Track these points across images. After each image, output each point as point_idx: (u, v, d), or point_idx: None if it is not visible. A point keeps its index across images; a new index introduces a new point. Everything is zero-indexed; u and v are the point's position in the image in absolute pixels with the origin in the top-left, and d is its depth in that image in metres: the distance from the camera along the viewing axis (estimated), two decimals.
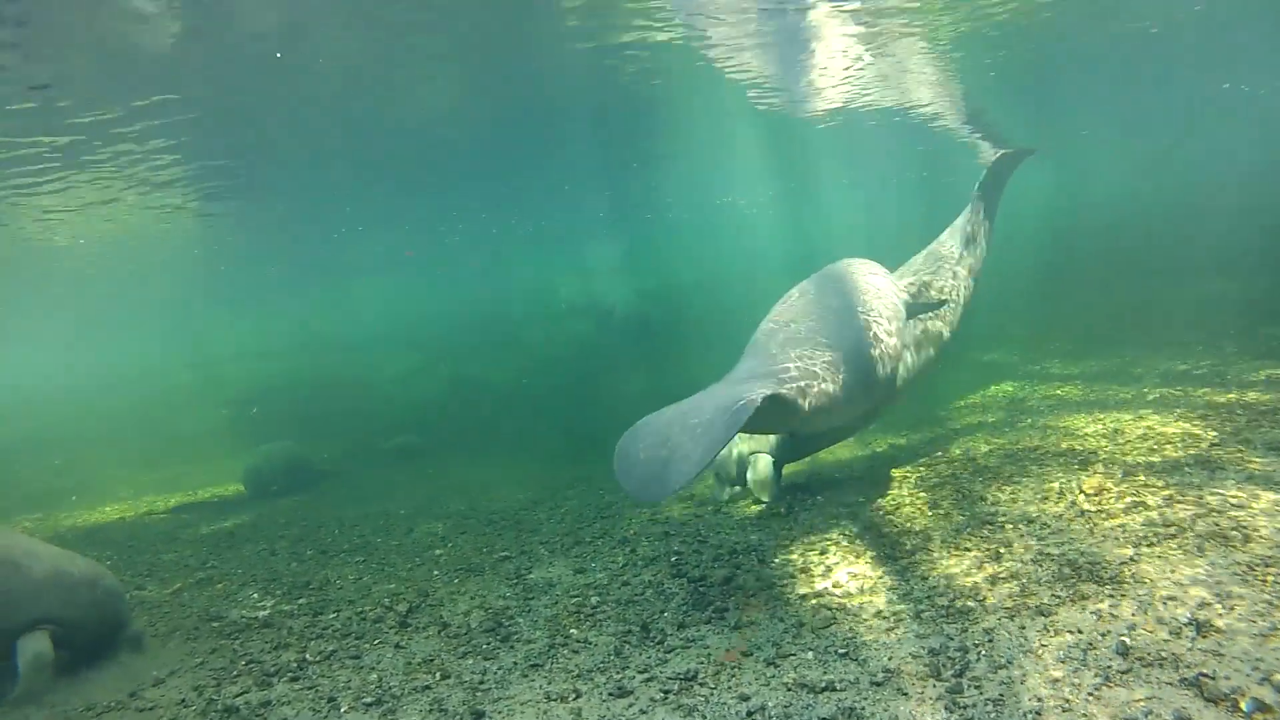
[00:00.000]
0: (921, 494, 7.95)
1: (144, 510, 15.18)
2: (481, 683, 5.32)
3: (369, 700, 5.26)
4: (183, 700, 5.66)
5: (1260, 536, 5.39)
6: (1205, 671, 4.05)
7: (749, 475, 9.21)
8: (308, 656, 6.24)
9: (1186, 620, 4.54)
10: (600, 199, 31.12)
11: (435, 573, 8.16)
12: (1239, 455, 7.08)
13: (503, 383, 25.08)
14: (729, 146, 24.25)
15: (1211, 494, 6.29)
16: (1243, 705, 3.78)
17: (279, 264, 35.14)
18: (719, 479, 9.74)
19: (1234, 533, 5.51)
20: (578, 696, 4.92)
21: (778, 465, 9.28)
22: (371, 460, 18.43)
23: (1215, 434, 7.85)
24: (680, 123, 20.32)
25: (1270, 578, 4.84)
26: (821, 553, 6.89)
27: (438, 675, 5.53)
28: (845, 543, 7.03)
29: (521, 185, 25.71)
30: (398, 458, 18.09)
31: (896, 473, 9.23)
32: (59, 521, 14.95)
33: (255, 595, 8.21)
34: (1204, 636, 4.36)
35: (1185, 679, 4.03)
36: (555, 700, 4.91)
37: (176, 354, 43.02)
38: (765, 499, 8.95)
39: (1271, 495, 6.04)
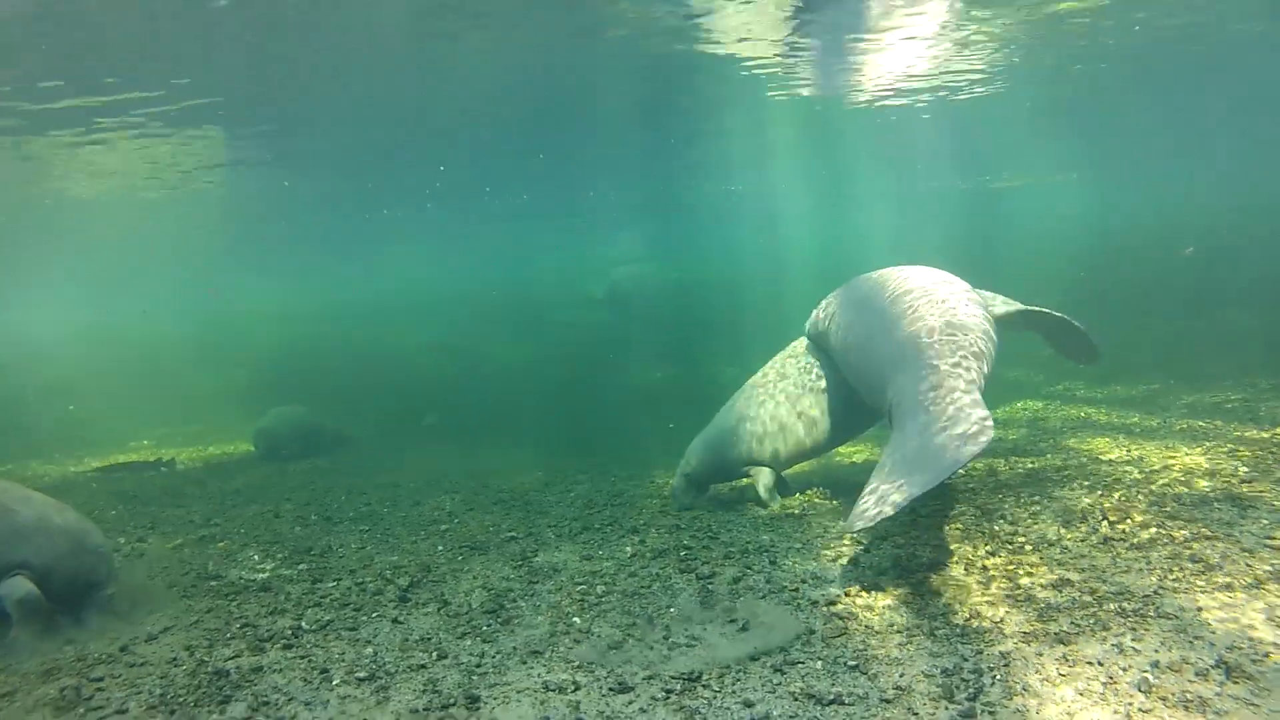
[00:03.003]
0: (940, 506, 7.78)
1: (168, 459, 15.16)
2: (479, 666, 5.20)
3: (362, 675, 5.15)
4: (174, 659, 5.56)
5: None
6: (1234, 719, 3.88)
7: (758, 488, 9.03)
8: (303, 624, 6.14)
9: (1214, 663, 4.36)
10: (632, 186, 31.04)
11: (439, 548, 8.06)
12: (1272, 494, 6.88)
13: (521, 365, 24.98)
14: (767, 139, 24.14)
15: (1242, 532, 6.09)
16: None
17: (309, 231, 35.30)
18: (689, 481, 9.58)
19: (1265, 575, 5.32)
20: (577, 689, 4.79)
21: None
22: (385, 431, 18.38)
23: (1246, 470, 7.64)
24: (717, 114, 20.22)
25: None
26: (834, 560, 6.74)
27: (434, 654, 5.41)
28: (858, 551, 6.87)
29: (552, 167, 25.66)
30: (431, 435, 18.00)
31: None
32: (67, 470, 14.97)
33: (256, 557, 8.14)
34: (1234, 682, 4.18)
35: None
36: (554, 690, 4.78)
37: (201, 312, 43.17)
38: (772, 506, 8.81)
39: None
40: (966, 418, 5.95)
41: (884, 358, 7.36)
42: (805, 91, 19.86)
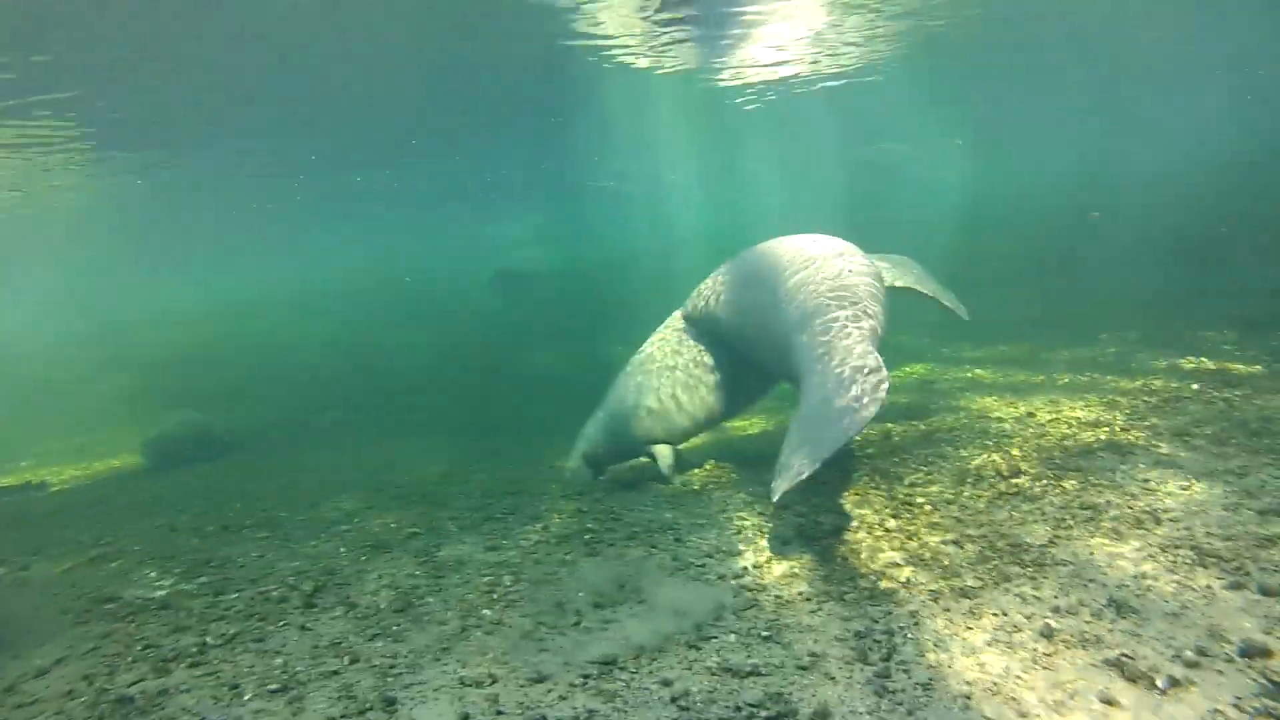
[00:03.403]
0: (838, 473, 7.94)
1: (38, 482, 14.47)
2: (392, 667, 5.10)
3: (274, 687, 5.00)
4: (70, 691, 5.30)
5: (1170, 519, 5.47)
6: (1126, 652, 4.07)
7: (660, 464, 9.12)
8: (209, 640, 5.93)
9: (1106, 602, 4.57)
10: (517, 169, 30.81)
11: (342, 549, 7.87)
12: (1148, 440, 7.22)
13: (414, 354, 24.60)
14: (650, 120, 24.17)
15: (1124, 477, 6.38)
16: (1158, 682, 3.81)
17: (192, 231, 34.13)
18: (587, 462, 9.66)
19: (1146, 516, 5.58)
20: (494, 681, 4.74)
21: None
22: (281, 431, 17.89)
23: (1124, 419, 8.01)
24: (599, 92, 20.15)
25: (1179, 558, 4.91)
26: (738, 533, 6.82)
27: (346, 659, 5.29)
28: (762, 522, 6.97)
29: (435, 151, 25.25)
30: (326, 432, 17.56)
31: None
32: None
33: (153, 574, 7.82)
34: (1123, 617, 4.39)
35: (1108, 659, 4.04)
36: (470, 685, 4.72)
37: (90, 319, 41.30)
38: (673, 482, 8.91)
39: (1179, 480, 6.15)
40: (863, 380, 6.10)
41: (781, 327, 7.48)
42: (679, 66, 19.95)
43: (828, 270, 7.53)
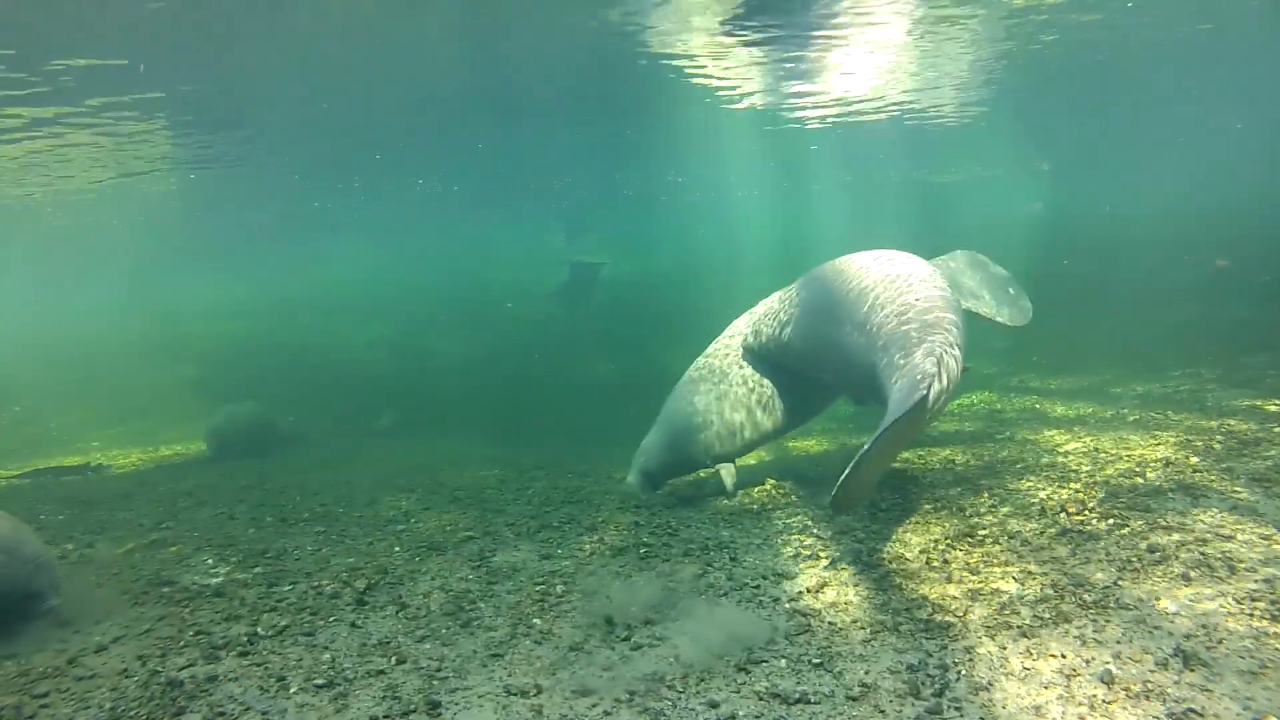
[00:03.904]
0: (899, 500, 7.80)
1: (97, 464, 14.82)
2: (439, 670, 5.11)
3: (320, 682, 5.03)
4: (125, 670, 5.40)
5: (1246, 569, 5.27)
6: (1194, 707, 3.90)
7: (723, 479, 9.07)
8: (259, 630, 6.00)
9: (1173, 651, 4.40)
10: (582, 177, 30.89)
11: (396, 549, 7.93)
12: (1223, 484, 6.97)
13: (473, 359, 24.79)
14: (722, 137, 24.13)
15: (1196, 521, 6.17)
16: None
17: (257, 226, 34.76)
18: (647, 479, 9.61)
19: (1220, 564, 5.38)
20: (539, 692, 4.71)
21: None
22: (339, 427, 18.14)
23: (1198, 460, 7.75)
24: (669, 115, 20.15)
25: (1257, 612, 4.71)
26: (795, 555, 6.73)
27: (393, 659, 5.31)
28: (820, 546, 6.87)
29: (499, 157, 25.39)
30: (384, 432, 17.76)
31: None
32: (11, 474, 14.57)
33: (209, 561, 7.95)
34: (1191, 670, 4.22)
35: (1173, 714, 3.88)
36: (515, 694, 4.70)
37: (148, 310, 42.34)
38: (733, 494, 8.89)
39: (1258, 528, 5.92)
40: (915, 377, 6.14)
41: (863, 360, 7.32)
42: (756, 103, 20.04)
43: (907, 297, 7.35)
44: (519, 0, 12.04)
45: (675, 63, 15.42)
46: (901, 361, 6.64)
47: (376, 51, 13.88)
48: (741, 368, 9.32)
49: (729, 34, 13.89)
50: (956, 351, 6.80)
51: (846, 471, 5.62)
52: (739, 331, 9.70)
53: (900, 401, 5.96)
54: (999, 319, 9.33)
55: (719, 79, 16.97)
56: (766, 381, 9.14)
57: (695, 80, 16.94)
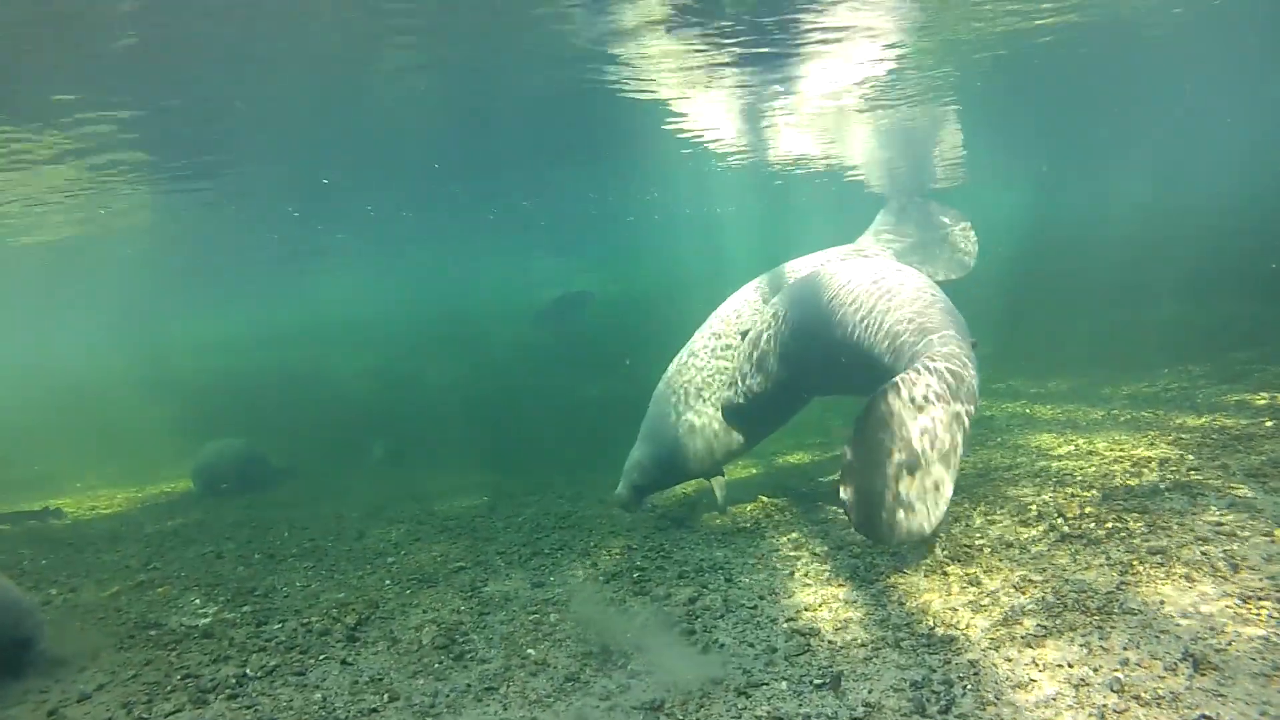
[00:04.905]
0: None
1: (89, 506, 14.64)
2: (432, 706, 4.98)
3: None
4: (109, 718, 5.25)
5: (1249, 568, 5.19)
6: (1208, 713, 3.81)
7: (716, 492, 9.01)
8: (248, 671, 5.86)
9: (1182, 655, 4.31)
10: (564, 203, 30.82)
11: (386, 582, 7.80)
12: (1220, 481, 6.91)
13: (459, 386, 24.66)
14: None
15: (1195, 520, 6.09)
16: None
17: (241, 260, 34.55)
18: (637, 493, 9.51)
19: (1222, 563, 5.30)
20: None
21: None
22: (327, 459, 17.96)
23: (1193, 458, 7.69)
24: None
25: (1264, 612, 4.63)
26: (791, 574, 6.63)
27: (385, 697, 5.18)
28: (816, 563, 6.77)
29: (479, 184, 25.31)
30: (376, 463, 17.59)
31: None
32: None
33: (197, 601, 7.80)
34: (1202, 674, 4.13)
35: None
36: None
37: (134, 347, 42.06)
38: (725, 509, 8.84)
39: (1258, 524, 5.85)
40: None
41: (872, 370, 7.19)
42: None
43: (907, 308, 7.20)
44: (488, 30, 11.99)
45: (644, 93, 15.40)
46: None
47: (357, 88, 13.80)
48: (717, 378, 9.24)
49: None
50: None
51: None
52: (706, 343, 9.59)
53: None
54: (937, 278, 9.40)
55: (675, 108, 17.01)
56: (748, 397, 9.06)
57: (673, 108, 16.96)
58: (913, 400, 5.75)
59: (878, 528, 5.56)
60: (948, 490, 5.45)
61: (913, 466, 5.53)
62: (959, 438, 5.64)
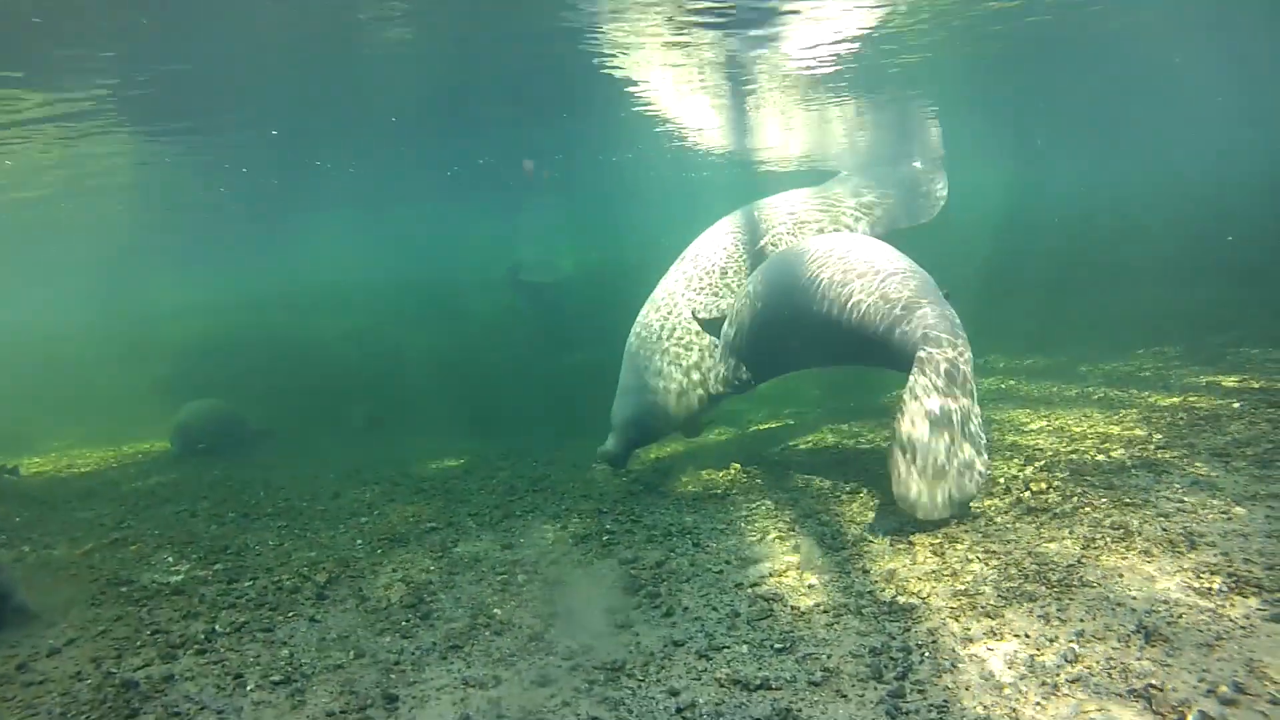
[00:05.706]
0: (864, 484, 7.78)
1: (65, 465, 14.60)
2: (397, 663, 5.02)
3: (277, 679, 4.93)
4: (78, 673, 5.26)
5: (1207, 544, 5.26)
6: (1154, 682, 3.88)
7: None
8: (217, 627, 5.88)
9: (1135, 628, 4.38)
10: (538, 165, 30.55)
11: (359, 541, 7.83)
12: (1184, 460, 6.99)
13: (438, 351, 24.57)
14: None
15: (1158, 497, 6.17)
16: (1190, 718, 3.62)
17: (224, 223, 34.18)
18: (624, 444, 9.60)
19: (1181, 539, 5.38)
20: (497, 684, 4.64)
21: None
22: (306, 422, 17.93)
23: (1160, 437, 7.78)
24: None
25: (1215, 585, 4.71)
26: (758, 540, 6.68)
27: (351, 653, 5.21)
28: (784, 530, 6.83)
29: (457, 148, 25.07)
30: (357, 426, 17.56)
31: (837, 460, 9.08)
32: None
33: (170, 559, 7.81)
34: (1152, 645, 4.20)
35: (1134, 690, 3.86)
36: (474, 686, 4.63)
37: (114, 308, 41.68)
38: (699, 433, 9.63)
39: (1217, 502, 5.93)
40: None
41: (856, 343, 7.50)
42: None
43: (887, 281, 7.53)
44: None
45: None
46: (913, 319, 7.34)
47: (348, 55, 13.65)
48: (689, 333, 9.37)
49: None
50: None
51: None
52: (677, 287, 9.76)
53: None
54: (901, 225, 9.65)
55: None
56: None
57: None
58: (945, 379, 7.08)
59: (921, 501, 6.16)
60: (981, 466, 6.30)
61: (950, 443, 6.32)
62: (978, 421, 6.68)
